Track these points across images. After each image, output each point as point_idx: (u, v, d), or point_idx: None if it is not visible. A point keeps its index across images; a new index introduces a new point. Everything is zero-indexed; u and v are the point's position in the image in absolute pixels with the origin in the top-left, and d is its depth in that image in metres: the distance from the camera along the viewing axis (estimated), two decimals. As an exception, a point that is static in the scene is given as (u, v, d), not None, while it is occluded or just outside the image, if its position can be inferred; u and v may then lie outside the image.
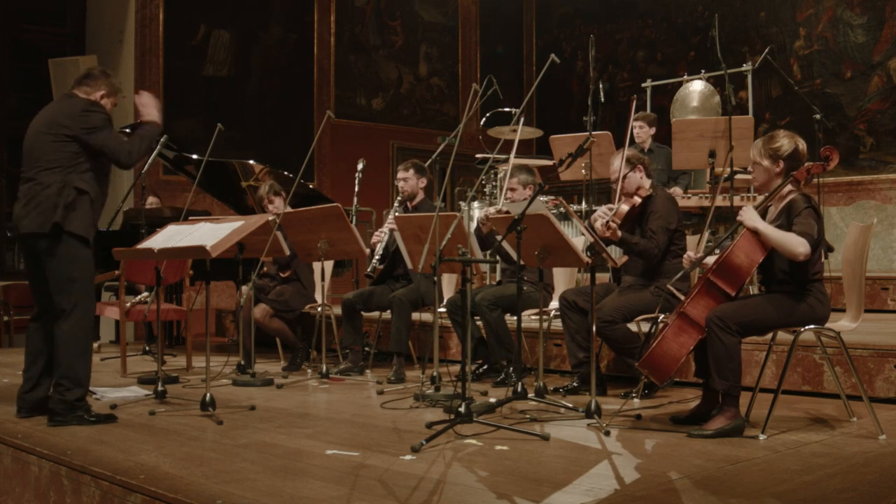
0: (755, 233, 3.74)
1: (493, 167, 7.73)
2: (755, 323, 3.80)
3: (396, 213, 5.85)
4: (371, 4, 11.51)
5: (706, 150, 6.39)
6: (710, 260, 3.97)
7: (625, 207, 4.79)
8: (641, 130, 7.21)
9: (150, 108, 4.46)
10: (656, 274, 4.79)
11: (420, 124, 11.90)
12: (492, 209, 5.51)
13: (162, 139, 5.85)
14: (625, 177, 4.83)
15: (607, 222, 4.67)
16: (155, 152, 5.66)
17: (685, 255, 4.17)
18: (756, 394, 4.18)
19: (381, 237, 5.89)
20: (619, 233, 4.68)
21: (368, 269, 5.89)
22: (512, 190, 5.52)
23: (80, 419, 4.06)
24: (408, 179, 5.97)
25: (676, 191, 6.86)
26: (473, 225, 7.55)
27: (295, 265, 6.27)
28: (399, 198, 6.02)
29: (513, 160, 5.53)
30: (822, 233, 3.82)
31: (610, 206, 4.86)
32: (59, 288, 4.10)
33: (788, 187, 3.87)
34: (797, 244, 3.65)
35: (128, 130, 4.43)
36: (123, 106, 5.09)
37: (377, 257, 5.88)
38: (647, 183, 4.89)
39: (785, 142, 3.86)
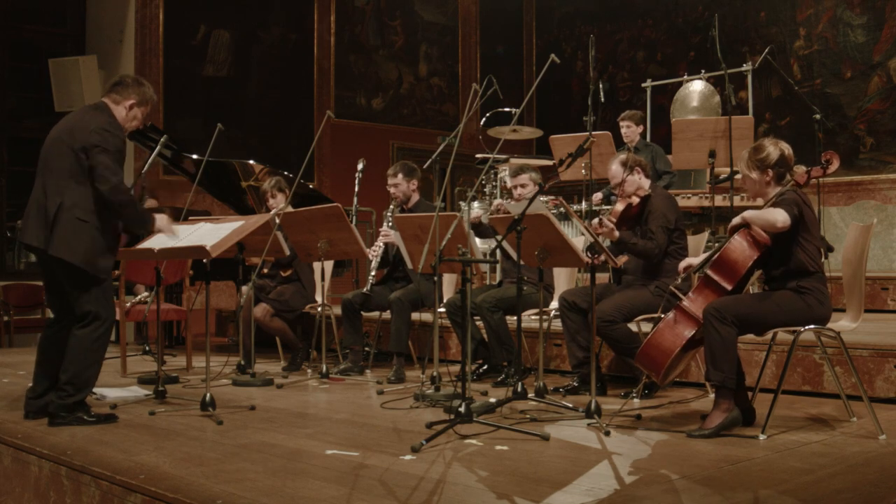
0: (745, 225, 3.77)
1: (493, 167, 7.73)
2: (753, 317, 3.80)
3: (390, 222, 5.84)
4: (371, 4, 11.51)
5: (706, 150, 6.40)
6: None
7: (619, 206, 4.80)
8: (629, 130, 7.24)
9: (165, 226, 4.27)
10: (657, 273, 4.79)
11: (420, 124, 11.90)
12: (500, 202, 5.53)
13: (162, 139, 5.85)
14: (624, 180, 4.85)
15: (600, 220, 4.68)
16: (155, 152, 5.64)
17: (683, 262, 4.18)
18: (756, 394, 4.18)
19: (377, 251, 5.89)
20: (617, 233, 4.69)
21: (366, 289, 5.87)
22: (522, 186, 5.51)
23: (80, 420, 4.05)
24: (398, 184, 5.93)
25: None
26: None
27: (295, 264, 6.27)
28: (392, 204, 5.98)
29: (513, 161, 5.54)
30: (810, 213, 3.84)
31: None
32: (76, 298, 4.06)
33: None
34: (774, 212, 3.71)
35: None
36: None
37: (372, 273, 5.86)
38: (646, 184, 4.90)
39: (771, 150, 3.92)
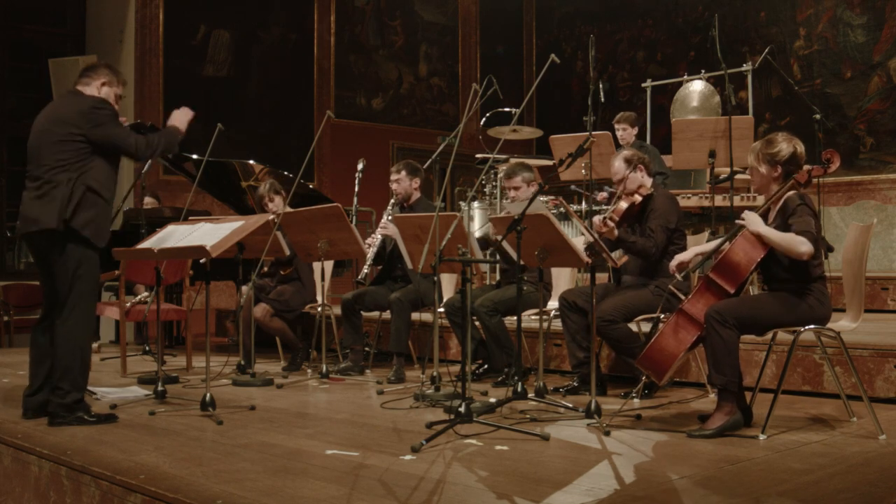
0: (758, 236, 3.74)
1: (493, 167, 7.73)
2: (754, 319, 3.80)
3: (390, 216, 5.84)
4: (371, 4, 11.51)
5: (706, 150, 6.39)
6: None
7: (623, 204, 4.80)
8: (625, 132, 7.22)
9: (181, 117, 4.63)
10: (656, 272, 4.80)
11: (420, 124, 11.90)
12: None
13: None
14: (626, 177, 4.84)
15: (605, 218, 4.68)
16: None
17: (674, 261, 4.16)
18: (756, 394, 4.18)
19: (373, 241, 5.89)
20: (617, 231, 4.69)
21: (359, 276, 5.89)
22: (516, 189, 5.51)
23: (80, 420, 4.06)
24: (400, 181, 5.95)
25: None
26: (474, 225, 7.53)
27: (295, 264, 6.27)
28: (393, 200, 6.00)
29: (512, 161, 5.54)
30: (819, 228, 3.83)
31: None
32: (63, 286, 4.09)
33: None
34: (799, 243, 3.66)
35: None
36: (124, 105, 5.07)
37: (368, 263, 5.87)
38: (648, 182, 4.90)
39: (784, 146, 3.86)
